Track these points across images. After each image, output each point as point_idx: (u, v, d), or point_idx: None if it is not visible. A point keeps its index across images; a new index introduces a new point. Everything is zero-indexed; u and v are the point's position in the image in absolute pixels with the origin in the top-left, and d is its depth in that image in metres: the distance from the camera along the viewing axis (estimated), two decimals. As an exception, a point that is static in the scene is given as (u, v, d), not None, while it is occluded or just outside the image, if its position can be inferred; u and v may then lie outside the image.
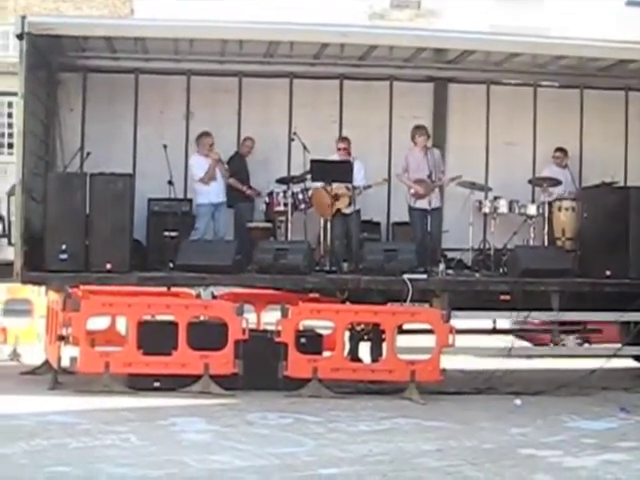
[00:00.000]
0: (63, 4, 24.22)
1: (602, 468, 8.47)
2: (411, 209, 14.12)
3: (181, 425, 9.79)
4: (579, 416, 10.88)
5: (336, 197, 13.73)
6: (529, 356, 13.27)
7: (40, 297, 14.34)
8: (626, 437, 9.83)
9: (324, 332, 12.61)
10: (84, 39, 13.80)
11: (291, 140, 14.38)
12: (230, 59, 14.63)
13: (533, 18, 24.24)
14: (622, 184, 14.70)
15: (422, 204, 13.90)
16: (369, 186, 14.03)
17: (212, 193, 13.94)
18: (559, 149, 14.97)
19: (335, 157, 14.05)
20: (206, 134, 14.06)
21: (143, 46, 14.14)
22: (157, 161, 13.58)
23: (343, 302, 12.70)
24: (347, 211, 13.86)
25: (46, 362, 12.59)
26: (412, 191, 14.01)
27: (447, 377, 11.85)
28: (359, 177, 13.95)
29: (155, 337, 11.68)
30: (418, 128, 14.19)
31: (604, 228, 13.17)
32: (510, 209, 14.27)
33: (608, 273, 12.93)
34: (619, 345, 13.55)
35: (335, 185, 13.72)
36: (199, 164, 13.96)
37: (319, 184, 13.90)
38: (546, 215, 14.24)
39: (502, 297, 13.01)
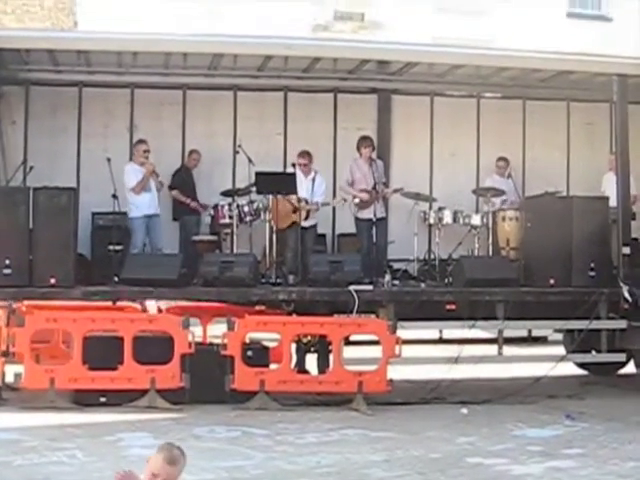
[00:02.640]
0: (5, 17, 23.97)
1: (548, 475, 8.56)
2: (357, 220, 14.17)
3: (128, 440, 9.71)
4: (525, 424, 10.96)
5: (295, 210, 13.70)
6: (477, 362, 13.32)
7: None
8: (571, 444, 9.93)
9: (271, 344, 12.59)
10: (26, 52, 13.69)
11: (236, 153, 14.37)
12: (174, 72, 14.58)
13: (475, 30, 24.41)
14: (565, 194, 14.87)
15: (367, 214, 13.94)
16: (327, 204, 14.06)
17: (144, 205, 13.81)
18: (501, 158, 15.14)
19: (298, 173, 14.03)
20: (140, 141, 13.99)
21: (86, 59, 14.05)
22: (101, 175, 13.47)
23: (289, 314, 12.69)
24: (305, 224, 13.84)
25: (-10, 378, 12.44)
26: (356, 200, 14.05)
27: (394, 387, 11.87)
28: (319, 192, 13.98)
29: (100, 352, 11.58)
30: (364, 139, 14.25)
31: (547, 237, 13.31)
32: (454, 219, 14.36)
33: (552, 282, 13.07)
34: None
35: (294, 197, 13.71)
36: (133, 172, 13.83)
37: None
38: (490, 225, 14.37)
39: (448, 307, 13.07)
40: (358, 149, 14.18)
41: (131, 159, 14.30)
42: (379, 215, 14.00)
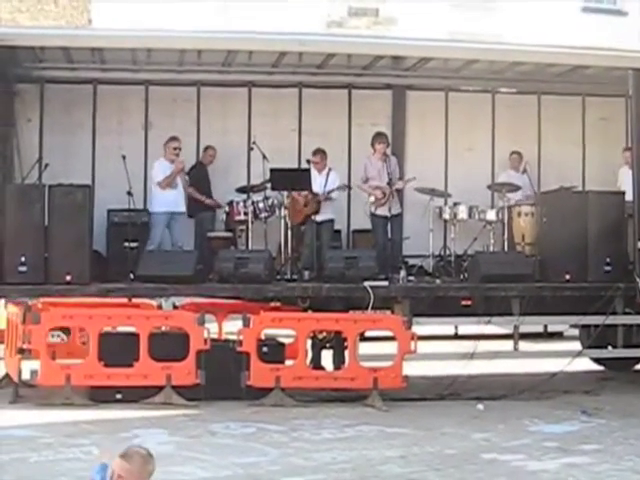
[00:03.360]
0: (19, 15, 24.03)
1: (564, 471, 8.54)
2: (372, 216, 14.15)
3: (143, 437, 9.70)
4: (541, 420, 10.95)
5: (306, 203, 13.75)
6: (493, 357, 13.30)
7: (-1, 310, 14.21)
8: (588, 440, 9.91)
9: (286, 341, 12.60)
10: (41, 50, 13.72)
11: (250, 149, 14.37)
12: (188, 69, 14.59)
13: (491, 25, 24.36)
14: (580, 189, 14.83)
15: (383, 211, 13.94)
16: (331, 191, 14.05)
17: (168, 201, 13.86)
18: (515, 152, 15.12)
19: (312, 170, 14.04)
20: (173, 139, 14.04)
21: (101, 56, 14.07)
22: (116, 172, 13.51)
23: (305, 310, 12.69)
24: (317, 219, 13.85)
25: (6, 375, 12.46)
26: (372, 198, 14.03)
27: (410, 383, 11.87)
28: (332, 187, 13.98)
29: (116, 349, 11.62)
30: (379, 135, 14.23)
31: (563, 232, 13.26)
32: (470, 215, 14.32)
33: (567, 277, 13.03)
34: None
35: (306, 192, 13.74)
36: (161, 167, 13.93)
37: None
38: (505, 221, 14.34)
39: (463, 303, 13.06)
40: (372, 145, 14.17)
41: (146, 157, 14.36)
42: (394, 212, 14.00)
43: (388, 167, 13.94)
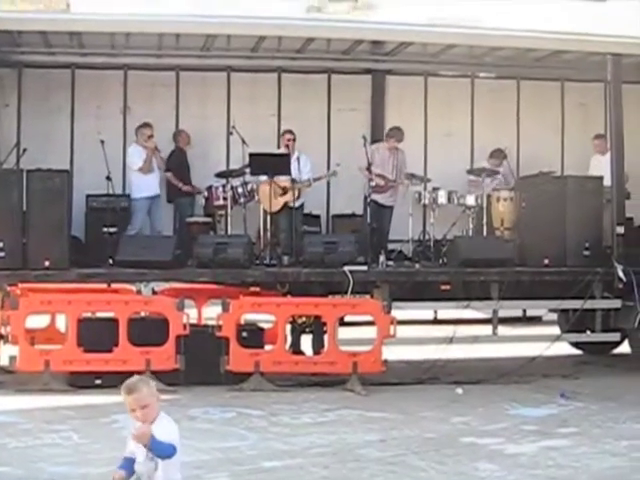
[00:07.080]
0: (-4, -1, 23.86)
1: (542, 454, 8.59)
2: (371, 202, 13.89)
3: (123, 422, 9.64)
4: (520, 403, 11.00)
5: (284, 190, 13.72)
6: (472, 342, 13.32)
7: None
8: (566, 423, 9.97)
9: (265, 326, 12.60)
10: (19, 34, 13.62)
11: (230, 134, 14.34)
12: (167, 53, 14.54)
13: (470, 10, 24.33)
14: (559, 173, 14.87)
15: (382, 199, 13.99)
16: (318, 178, 14.03)
17: (150, 186, 13.89)
18: (496, 150, 15.02)
19: (283, 150, 14.03)
20: (146, 125, 14.01)
21: (79, 41, 14.00)
22: (95, 157, 13.45)
23: (284, 295, 12.69)
24: (295, 204, 13.85)
25: (-15, 361, 12.44)
26: (373, 183, 13.90)
27: (389, 368, 11.89)
28: (305, 171, 13.96)
29: (95, 334, 11.60)
30: (397, 130, 14.27)
31: (542, 217, 13.32)
32: (449, 200, 14.33)
33: (546, 262, 13.09)
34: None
35: (282, 178, 13.69)
36: (137, 153, 13.92)
37: (264, 178, 13.82)
38: (484, 205, 14.37)
39: (442, 287, 13.09)
40: (386, 137, 14.32)
41: (125, 142, 14.32)
42: (391, 203, 14.07)
43: (394, 159, 13.99)
